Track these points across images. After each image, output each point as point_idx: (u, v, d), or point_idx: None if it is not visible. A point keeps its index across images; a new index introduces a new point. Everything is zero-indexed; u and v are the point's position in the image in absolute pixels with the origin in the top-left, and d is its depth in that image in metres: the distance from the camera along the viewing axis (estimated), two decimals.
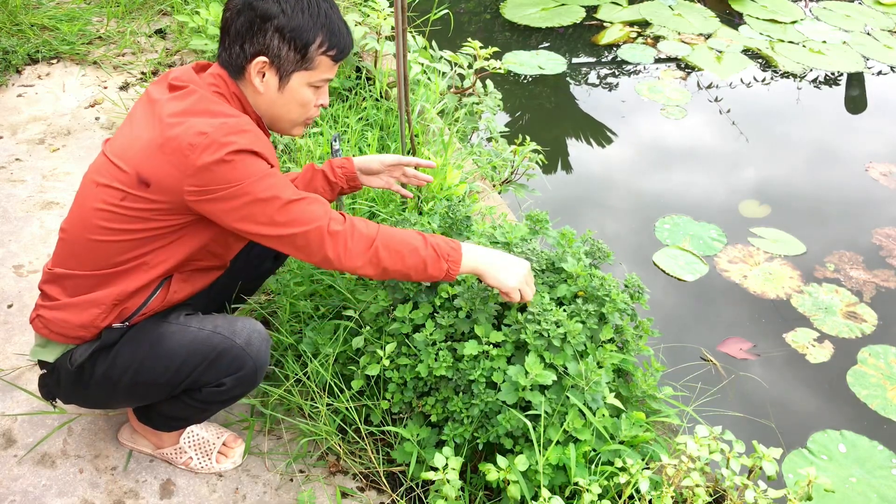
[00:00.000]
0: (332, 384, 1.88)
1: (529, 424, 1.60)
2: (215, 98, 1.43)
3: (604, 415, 1.67)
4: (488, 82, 3.19)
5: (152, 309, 1.55)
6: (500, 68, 3.11)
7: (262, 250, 1.91)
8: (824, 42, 4.62)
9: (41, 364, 1.62)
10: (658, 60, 4.39)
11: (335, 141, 2.03)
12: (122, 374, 1.54)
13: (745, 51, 4.49)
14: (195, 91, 1.42)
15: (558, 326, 1.67)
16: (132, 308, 1.52)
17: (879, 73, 4.42)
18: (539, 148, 2.98)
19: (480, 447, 1.75)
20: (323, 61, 1.47)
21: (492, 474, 1.56)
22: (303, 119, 1.55)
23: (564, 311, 1.77)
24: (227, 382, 1.55)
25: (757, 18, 4.84)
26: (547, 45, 4.51)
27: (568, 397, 1.64)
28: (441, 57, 3.22)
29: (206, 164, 1.34)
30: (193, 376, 1.53)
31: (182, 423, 1.75)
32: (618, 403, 1.67)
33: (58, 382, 1.61)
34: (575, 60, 4.42)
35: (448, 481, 1.52)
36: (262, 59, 1.43)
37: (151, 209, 1.41)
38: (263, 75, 1.45)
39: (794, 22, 4.82)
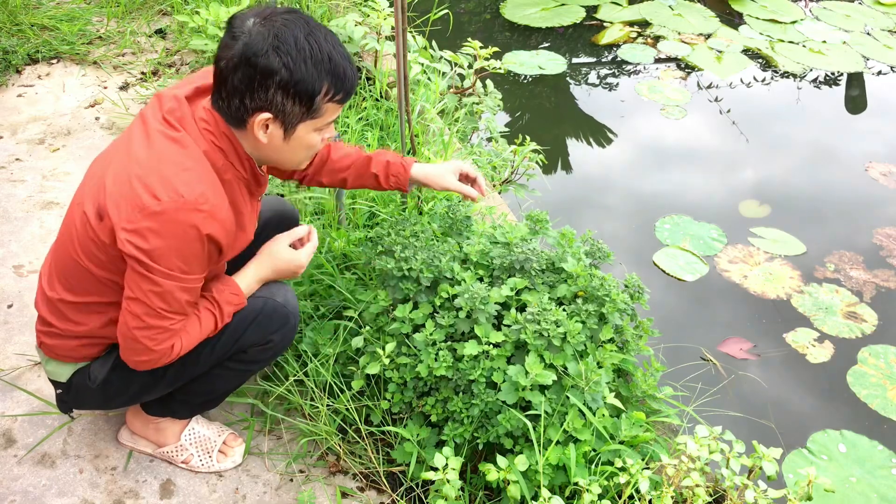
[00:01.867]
0: (332, 384, 1.88)
1: (529, 424, 1.60)
2: (195, 150, 1.35)
3: (604, 415, 1.67)
4: (488, 82, 3.19)
5: None
6: (500, 68, 3.11)
7: (276, 227, 1.86)
8: (824, 42, 4.62)
9: (55, 382, 1.62)
10: (658, 60, 4.39)
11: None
12: (167, 366, 1.53)
13: (745, 51, 4.49)
14: (183, 143, 1.34)
15: (558, 326, 1.67)
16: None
17: (879, 73, 4.42)
18: (539, 148, 2.98)
19: (480, 447, 1.75)
20: (329, 107, 1.38)
21: (492, 474, 1.56)
22: (309, 156, 1.49)
23: (564, 311, 1.77)
24: (274, 338, 1.61)
25: (757, 18, 4.84)
26: (547, 45, 4.51)
27: (568, 397, 1.64)
28: (441, 57, 3.22)
29: (146, 227, 1.29)
30: (242, 340, 1.57)
31: (206, 400, 1.75)
32: (618, 403, 1.67)
33: (80, 398, 1.62)
34: (575, 60, 4.42)
35: (448, 481, 1.52)
36: (266, 115, 1.33)
37: (102, 246, 1.36)
38: (267, 128, 1.36)
39: (794, 22, 4.81)
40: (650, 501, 1.53)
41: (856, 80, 4.35)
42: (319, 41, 1.31)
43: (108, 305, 1.48)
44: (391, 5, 3.03)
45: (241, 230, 1.49)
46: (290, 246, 1.66)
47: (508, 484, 1.56)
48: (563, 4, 4.87)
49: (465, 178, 1.87)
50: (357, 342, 1.85)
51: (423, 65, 3.04)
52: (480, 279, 1.89)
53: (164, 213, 1.28)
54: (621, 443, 1.69)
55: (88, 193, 1.39)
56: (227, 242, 1.40)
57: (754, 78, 4.28)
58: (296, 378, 1.91)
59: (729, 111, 3.97)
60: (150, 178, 1.29)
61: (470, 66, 3.20)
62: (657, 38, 4.58)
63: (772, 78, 4.29)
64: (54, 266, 1.50)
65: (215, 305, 1.52)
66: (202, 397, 1.73)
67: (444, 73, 3.17)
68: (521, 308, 1.83)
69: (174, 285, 1.35)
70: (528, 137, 2.97)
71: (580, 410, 1.64)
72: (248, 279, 1.60)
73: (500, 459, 1.57)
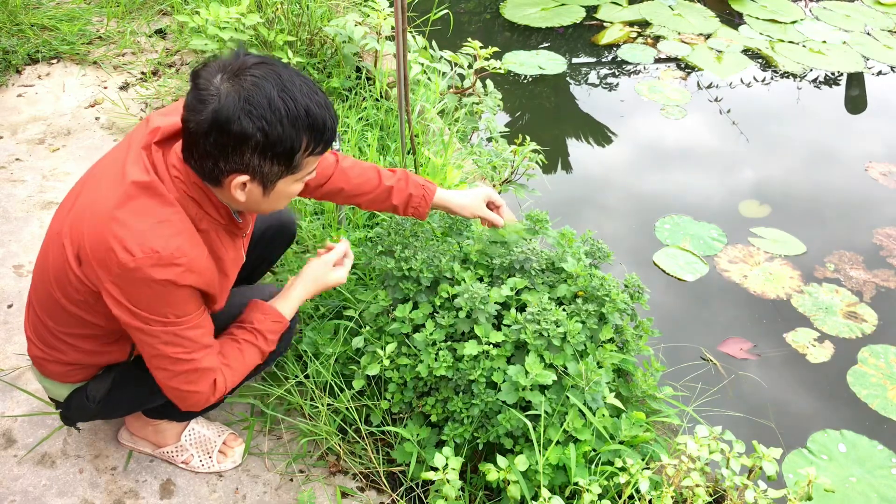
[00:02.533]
0: (333, 384, 1.88)
1: (529, 424, 1.60)
2: (168, 200, 1.29)
3: (604, 415, 1.67)
4: (488, 82, 3.19)
5: None
6: (500, 68, 3.11)
7: (274, 247, 1.89)
8: (824, 42, 4.62)
9: (53, 400, 1.62)
10: (658, 60, 4.39)
11: (335, 141, 2.03)
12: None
13: (745, 51, 4.49)
14: (158, 192, 1.28)
15: (558, 326, 1.67)
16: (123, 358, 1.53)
17: (879, 73, 4.42)
18: (539, 148, 2.98)
19: (480, 447, 1.75)
20: (310, 160, 1.31)
21: (492, 474, 1.56)
22: (290, 201, 1.43)
23: (564, 310, 1.77)
24: (279, 346, 1.61)
25: (757, 18, 4.84)
26: (547, 45, 4.51)
27: (568, 397, 1.64)
28: (441, 57, 3.22)
29: (128, 280, 1.26)
30: None
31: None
32: (618, 403, 1.67)
33: (82, 414, 1.61)
34: (575, 60, 4.42)
35: (448, 481, 1.52)
36: (244, 177, 1.26)
37: (83, 289, 1.34)
38: (244, 186, 1.29)
39: (794, 22, 4.81)
40: (650, 501, 1.53)
41: (856, 80, 4.35)
42: (294, 95, 1.22)
43: (87, 337, 1.45)
44: (391, 5, 3.03)
45: (223, 276, 1.44)
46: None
47: (508, 484, 1.56)
48: (563, 4, 4.87)
49: (492, 206, 1.87)
50: (357, 342, 1.85)
51: (423, 65, 3.04)
52: (480, 279, 1.89)
53: (140, 269, 1.24)
54: (621, 443, 1.69)
55: (68, 225, 1.34)
56: (212, 291, 1.37)
57: (754, 78, 4.28)
58: (296, 379, 1.91)
59: (729, 111, 3.97)
60: (125, 231, 1.24)
61: (470, 66, 3.20)
62: (657, 38, 4.58)
63: (772, 78, 4.29)
64: (34, 293, 1.47)
65: (258, 336, 1.52)
66: None
67: (444, 73, 3.17)
68: (521, 308, 1.83)
69: (176, 329, 1.33)
70: (528, 137, 2.97)
71: (580, 410, 1.64)
72: (292, 303, 1.61)
73: (500, 459, 1.57)
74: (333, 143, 1.98)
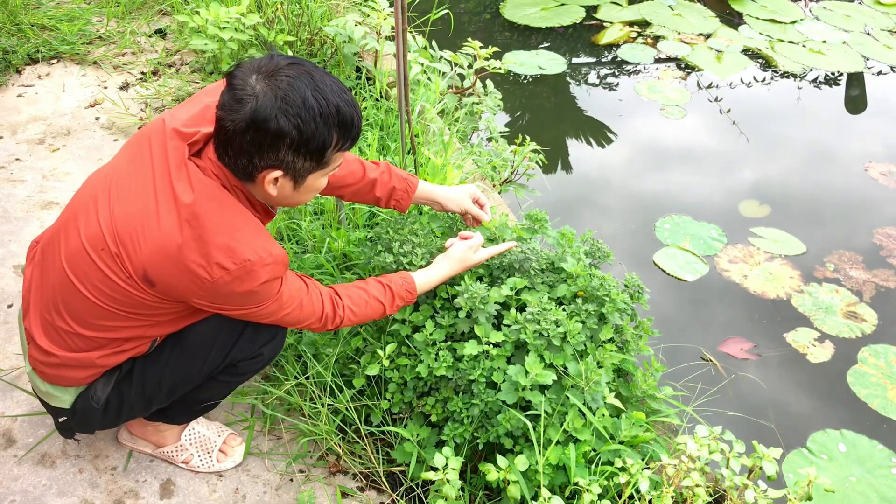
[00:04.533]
0: (332, 384, 1.88)
1: (529, 424, 1.60)
2: (231, 200, 1.36)
3: (604, 415, 1.67)
4: (488, 82, 3.19)
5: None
6: (500, 68, 3.11)
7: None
8: (824, 42, 4.62)
9: (53, 409, 1.59)
10: (658, 60, 4.39)
11: None
12: (158, 385, 1.55)
13: (745, 51, 4.49)
14: (211, 191, 1.34)
15: (558, 326, 1.67)
16: (139, 353, 1.54)
17: (879, 73, 4.42)
18: (539, 148, 2.98)
19: (480, 447, 1.75)
20: (337, 156, 1.38)
21: (492, 474, 1.56)
22: (315, 195, 1.52)
23: (564, 310, 1.77)
24: (265, 351, 1.61)
25: (757, 18, 4.84)
26: (547, 45, 4.51)
27: (568, 397, 1.64)
28: (441, 57, 3.22)
29: (224, 293, 1.36)
30: (231, 356, 1.56)
31: (202, 407, 1.75)
32: (618, 403, 1.67)
33: (85, 421, 1.60)
34: (575, 60, 4.42)
35: (448, 481, 1.52)
36: (277, 172, 1.32)
37: (154, 300, 1.40)
38: (276, 181, 1.35)
39: (794, 22, 4.81)
40: (650, 501, 1.53)
41: (856, 80, 4.35)
42: (326, 95, 1.28)
43: (118, 341, 1.47)
44: (391, 5, 3.03)
45: None
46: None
47: (508, 484, 1.56)
48: (563, 4, 4.87)
49: (477, 204, 1.92)
50: (357, 342, 1.85)
51: (423, 65, 3.04)
52: (480, 279, 1.89)
53: (237, 279, 1.34)
54: (621, 443, 1.69)
55: (114, 243, 1.35)
56: (288, 264, 1.46)
57: (754, 78, 4.28)
58: (296, 380, 1.91)
59: (729, 111, 3.97)
60: (208, 250, 1.31)
61: (470, 66, 3.20)
62: (657, 38, 4.58)
63: (772, 78, 4.29)
64: (46, 298, 1.46)
65: (387, 293, 1.67)
66: (198, 405, 1.73)
67: (444, 73, 3.17)
68: (521, 308, 1.83)
69: (275, 304, 1.46)
70: (528, 137, 2.97)
71: (580, 410, 1.64)
72: (433, 277, 1.76)
73: (500, 459, 1.57)
74: None
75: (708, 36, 4.64)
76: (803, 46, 4.56)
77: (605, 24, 4.71)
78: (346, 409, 1.84)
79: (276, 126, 1.25)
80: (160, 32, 3.67)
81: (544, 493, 1.48)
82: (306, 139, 1.28)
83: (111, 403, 1.55)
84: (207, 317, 1.53)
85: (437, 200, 1.86)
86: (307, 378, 1.90)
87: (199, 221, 1.31)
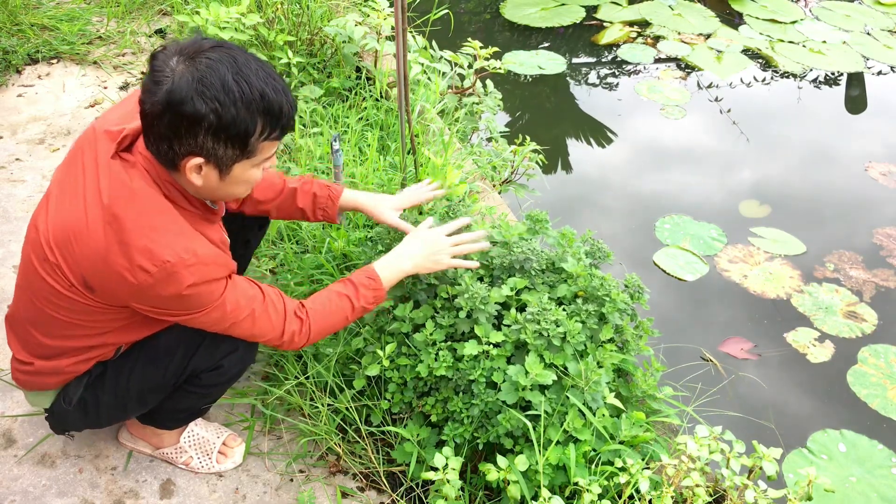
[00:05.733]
0: (333, 384, 1.87)
1: (529, 424, 1.60)
2: (154, 198, 1.31)
3: (604, 415, 1.66)
4: (488, 82, 3.19)
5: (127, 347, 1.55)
6: (500, 68, 3.11)
7: (245, 224, 1.85)
8: (824, 42, 4.62)
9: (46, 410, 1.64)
10: (658, 60, 4.39)
11: (335, 141, 2.03)
12: (127, 388, 1.55)
13: (745, 51, 4.49)
14: (132, 190, 1.29)
15: (558, 326, 1.67)
16: (105, 359, 1.54)
17: (879, 73, 4.42)
18: (539, 148, 2.98)
19: (480, 447, 1.75)
20: (266, 145, 1.31)
21: (492, 474, 1.56)
22: (250, 189, 1.43)
23: (564, 310, 1.77)
24: (225, 363, 1.57)
25: (757, 18, 4.84)
26: (547, 45, 4.51)
27: (568, 397, 1.64)
28: (441, 57, 3.22)
29: (153, 296, 1.31)
30: (191, 366, 1.54)
31: (186, 415, 1.75)
32: (618, 403, 1.67)
33: (65, 420, 1.62)
34: (575, 60, 4.42)
35: (448, 481, 1.52)
36: (197, 160, 1.26)
37: (100, 307, 1.38)
38: (200, 169, 1.29)
39: (794, 22, 4.81)
40: (650, 501, 1.53)
41: (856, 80, 4.35)
42: (249, 79, 1.22)
43: (81, 349, 1.48)
44: (391, 5, 3.03)
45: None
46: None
47: (508, 484, 1.56)
48: (563, 4, 4.87)
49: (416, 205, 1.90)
50: (357, 343, 1.85)
51: (423, 65, 3.04)
52: (480, 279, 1.89)
53: (159, 283, 1.28)
54: (621, 443, 1.69)
55: (54, 251, 1.34)
56: (232, 268, 1.40)
57: (754, 78, 4.28)
58: (296, 380, 1.91)
59: (729, 111, 3.97)
60: (130, 252, 1.26)
61: (470, 66, 3.20)
62: (657, 38, 4.58)
63: (772, 78, 4.29)
64: (21, 311, 1.48)
65: (348, 285, 1.59)
66: (181, 413, 1.73)
67: (444, 73, 3.17)
68: (521, 308, 1.83)
69: (217, 309, 1.39)
70: (528, 137, 2.97)
71: (580, 410, 1.64)
72: (392, 261, 1.65)
73: (500, 459, 1.57)
74: (334, 143, 1.99)
75: (708, 36, 4.64)
76: (803, 46, 4.56)
77: (605, 24, 4.71)
78: (347, 408, 1.84)
79: (192, 109, 1.19)
80: (160, 32, 3.67)
81: (544, 493, 1.48)
82: (225, 124, 1.22)
83: (88, 404, 1.56)
84: (170, 325, 1.52)
85: (360, 208, 1.81)
86: (307, 378, 1.90)
87: (119, 223, 1.27)
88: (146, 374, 1.54)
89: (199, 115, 1.20)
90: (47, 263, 1.35)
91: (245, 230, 1.87)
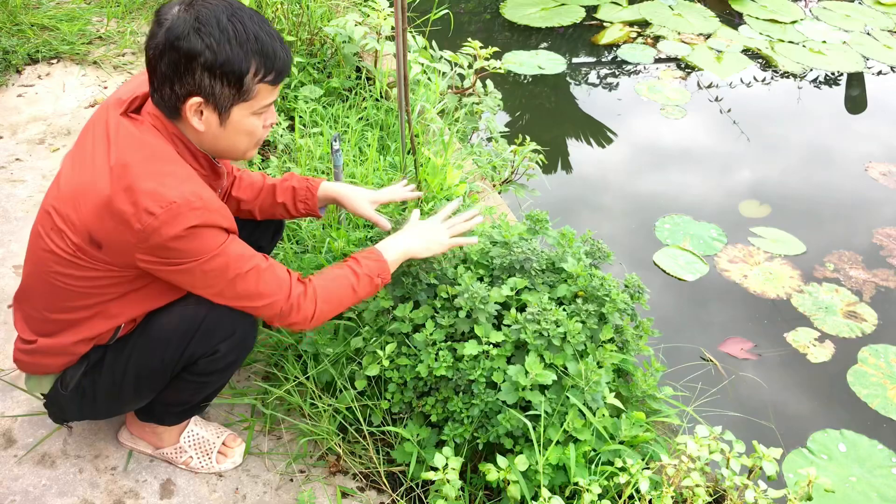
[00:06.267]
0: (333, 384, 1.88)
1: (529, 424, 1.60)
2: (163, 147, 1.36)
3: (604, 415, 1.67)
4: (488, 82, 3.19)
5: (125, 332, 1.55)
6: (500, 68, 3.11)
7: (258, 229, 1.87)
8: (824, 42, 4.62)
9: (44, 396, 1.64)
10: (658, 60, 4.39)
11: (335, 141, 2.03)
12: (124, 375, 1.55)
13: (745, 51, 4.49)
14: (143, 141, 1.35)
15: (558, 326, 1.67)
16: (103, 341, 1.54)
17: (879, 73, 4.42)
18: (539, 148, 2.98)
19: (480, 447, 1.75)
20: (262, 88, 1.37)
21: (492, 474, 1.56)
22: (252, 144, 1.48)
23: (564, 310, 1.77)
24: (221, 349, 1.56)
25: (757, 18, 4.84)
26: (547, 45, 4.51)
27: (568, 397, 1.64)
28: (441, 57, 3.22)
29: (157, 242, 1.32)
30: (188, 351, 1.54)
31: (183, 409, 1.74)
32: (618, 403, 1.67)
33: (62, 407, 1.63)
34: (575, 60, 4.42)
35: (448, 481, 1.52)
36: (196, 99, 1.33)
37: (106, 265, 1.39)
38: (201, 114, 1.36)
39: (794, 22, 4.81)
40: (650, 501, 1.53)
41: (856, 80, 4.35)
42: (244, 22, 1.31)
43: (82, 322, 1.48)
44: (391, 5, 3.03)
45: None
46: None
47: (508, 484, 1.56)
48: (563, 4, 4.87)
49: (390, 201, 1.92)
50: (357, 342, 1.85)
51: (423, 65, 3.04)
52: (480, 279, 1.89)
53: (165, 224, 1.29)
54: (621, 443, 1.69)
55: (60, 215, 1.38)
56: (233, 229, 1.42)
57: (754, 78, 4.28)
58: (296, 381, 1.91)
59: (729, 111, 3.98)
60: (135, 197, 1.29)
61: (470, 66, 3.20)
62: (657, 38, 4.58)
63: (772, 78, 4.29)
64: (28, 293, 1.51)
65: (350, 259, 1.60)
66: (178, 406, 1.72)
67: (444, 73, 3.17)
68: (521, 308, 1.83)
69: (218, 257, 1.37)
70: (528, 137, 2.97)
71: (580, 410, 1.64)
72: (388, 241, 1.66)
73: (500, 459, 1.57)
74: (334, 143, 1.99)
75: (708, 36, 4.64)
76: (803, 46, 4.56)
77: (605, 24, 4.72)
78: (347, 409, 1.84)
79: (189, 45, 1.27)
80: None
81: (544, 493, 1.48)
82: (221, 61, 1.29)
83: (85, 391, 1.56)
84: (168, 308, 1.53)
85: (339, 200, 1.82)
86: (307, 377, 1.90)
87: (126, 170, 1.31)
88: (144, 359, 1.54)
89: (196, 50, 1.28)
90: (54, 231, 1.38)
91: (258, 236, 1.89)
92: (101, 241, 1.35)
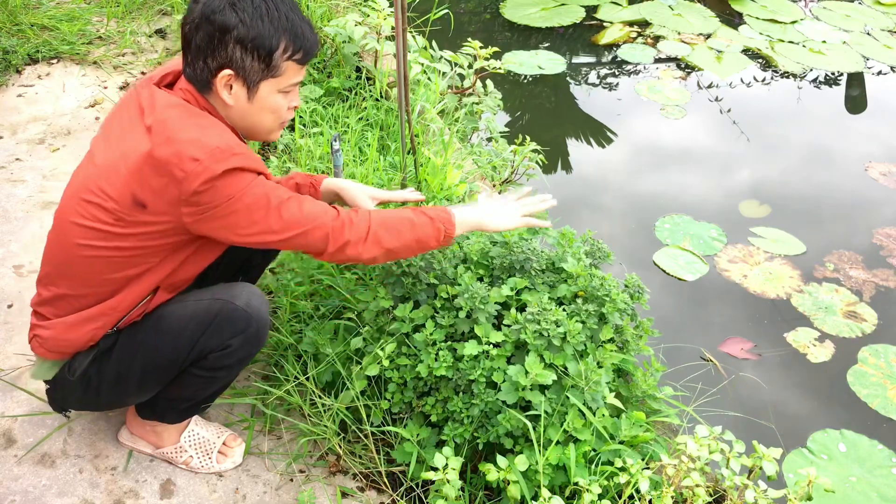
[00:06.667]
0: (332, 384, 1.88)
1: (529, 424, 1.60)
2: (196, 111, 1.42)
3: (604, 415, 1.67)
4: (488, 82, 3.19)
5: (139, 313, 1.55)
6: (500, 68, 3.11)
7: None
8: (824, 42, 4.62)
9: (47, 383, 1.64)
10: (658, 60, 4.39)
11: (335, 141, 2.03)
12: (130, 366, 1.55)
13: (745, 51, 4.49)
14: (178, 102, 1.41)
15: (558, 326, 1.67)
16: (120, 316, 1.53)
17: (879, 73, 4.42)
18: (539, 148, 2.98)
19: (480, 447, 1.75)
20: (290, 66, 1.44)
21: (492, 474, 1.56)
22: (277, 124, 1.53)
23: (564, 310, 1.77)
24: (233, 343, 1.57)
25: (757, 18, 4.84)
26: (547, 45, 4.51)
27: (568, 397, 1.64)
28: (441, 57, 3.22)
29: (201, 187, 1.34)
30: (199, 345, 1.54)
31: (188, 406, 1.74)
32: (618, 403, 1.67)
33: (65, 395, 1.63)
34: (575, 60, 4.42)
35: (448, 481, 1.52)
36: (227, 71, 1.40)
37: (147, 231, 1.41)
38: (231, 88, 1.42)
39: (794, 22, 4.81)
40: (650, 501, 1.53)
41: (856, 80, 4.35)
42: (277, 4, 1.39)
43: (104, 295, 1.49)
44: (391, 5, 3.03)
45: None
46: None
47: (508, 484, 1.56)
48: (563, 4, 4.87)
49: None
50: (356, 342, 1.85)
51: (423, 65, 3.04)
52: (480, 279, 1.89)
53: (209, 168, 1.33)
54: (621, 443, 1.69)
55: (97, 186, 1.41)
56: (268, 174, 1.45)
57: (754, 78, 4.28)
58: (296, 381, 1.91)
59: (729, 111, 3.97)
60: (177, 147, 1.33)
61: (470, 66, 3.20)
62: (657, 38, 4.58)
63: (772, 78, 4.29)
64: (52, 274, 1.52)
65: (416, 209, 1.60)
66: (183, 403, 1.72)
67: (444, 73, 3.17)
68: (521, 308, 1.83)
69: (255, 189, 1.40)
70: (528, 137, 2.97)
71: (580, 410, 1.64)
72: (458, 207, 1.66)
73: (500, 459, 1.57)
74: (334, 143, 1.99)
75: (708, 36, 4.64)
76: (803, 46, 4.56)
77: (605, 24, 4.71)
78: (348, 408, 1.84)
79: (223, 18, 1.35)
80: (160, 32, 3.68)
81: (544, 493, 1.48)
82: (253, 35, 1.36)
83: (91, 379, 1.56)
84: (182, 300, 1.55)
85: (339, 192, 1.84)
86: (307, 377, 1.90)
87: (165, 125, 1.36)
88: (154, 350, 1.54)
89: (230, 24, 1.35)
90: (87, 208, 1.41)
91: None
92: (145, 199, 1.37)
